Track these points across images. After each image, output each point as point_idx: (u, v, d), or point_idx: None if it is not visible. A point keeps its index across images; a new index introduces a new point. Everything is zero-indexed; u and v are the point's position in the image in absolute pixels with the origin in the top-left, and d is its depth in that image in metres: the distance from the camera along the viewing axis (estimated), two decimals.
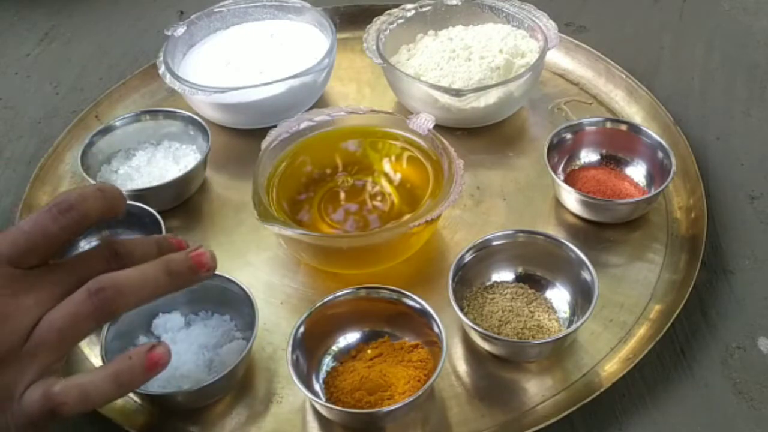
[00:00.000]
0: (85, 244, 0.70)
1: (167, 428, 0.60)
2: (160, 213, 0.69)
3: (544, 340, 0.60)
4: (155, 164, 0.76)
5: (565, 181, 0.71)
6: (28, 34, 0.99)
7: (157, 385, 0.59)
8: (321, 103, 0.84)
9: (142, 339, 0.62)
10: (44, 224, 0.48)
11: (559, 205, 0.73)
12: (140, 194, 0.71)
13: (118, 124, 0.78)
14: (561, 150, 0.74)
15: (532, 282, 0.65)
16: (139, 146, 0.78)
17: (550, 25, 0.81)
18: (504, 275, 0.66)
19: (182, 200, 0.75)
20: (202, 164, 0.75)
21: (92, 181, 0.73)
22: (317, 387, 0.59)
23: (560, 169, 0.74)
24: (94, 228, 0.70)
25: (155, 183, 0.73)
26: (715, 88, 0.86)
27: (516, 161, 0.78)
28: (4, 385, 0.46)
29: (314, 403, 0.58)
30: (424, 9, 0.85)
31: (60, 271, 0.49)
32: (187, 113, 0.78)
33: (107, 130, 0.77)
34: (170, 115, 0.79)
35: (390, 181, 0.72)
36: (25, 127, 0.87)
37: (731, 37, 0.93)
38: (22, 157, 0.83)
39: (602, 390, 0.59)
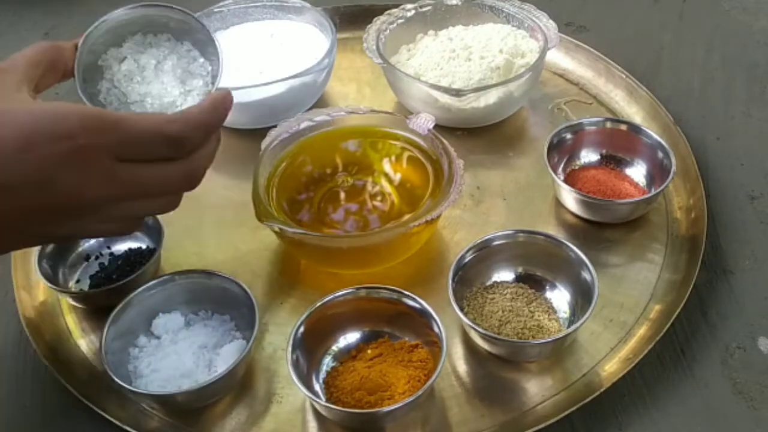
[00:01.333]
0: (84, 243, 0.70)
1: (167, 428, 0.60)
2: None
3: (544, 340, 0.60)
4: None
5: (565, 181, 0.71)
6: (28, 34, 0.99)
7: (157, 385, 0.59)
8: (321, 103, 0.84)
9: (142, 339, 0.62)
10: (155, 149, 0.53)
11: (559, 205, 0.73)
12: None
13: None
14: (561, 150, 0.74)
15: (532, 282, 0.65)
16: None
17: (550, 25, 0.81)
18: (504, 275, 0.66)
19: None
20: None
21: None
22: (317, 387, 0.59)
23: (560, 169, 0.74)
24: None
25: None
26: (715, 88, 0.86)
27: (516, 161, 0.78)
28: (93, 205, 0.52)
29: (314, 403, 0.58)
30: (424, 9, 0.85)
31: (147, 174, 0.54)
32: None
33: None
34: None
35: (390, 181, 0.72)
36: None
37: (731, 37, 0.93)
38: None
39: (602, 390, 0.59)
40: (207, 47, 0.61)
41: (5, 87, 0.51)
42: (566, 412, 0.57)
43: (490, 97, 0.78)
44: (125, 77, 0.59)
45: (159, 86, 0.59)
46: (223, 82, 0.79)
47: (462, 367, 0.62)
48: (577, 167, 0.75)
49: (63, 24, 1.00)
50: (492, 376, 0.61)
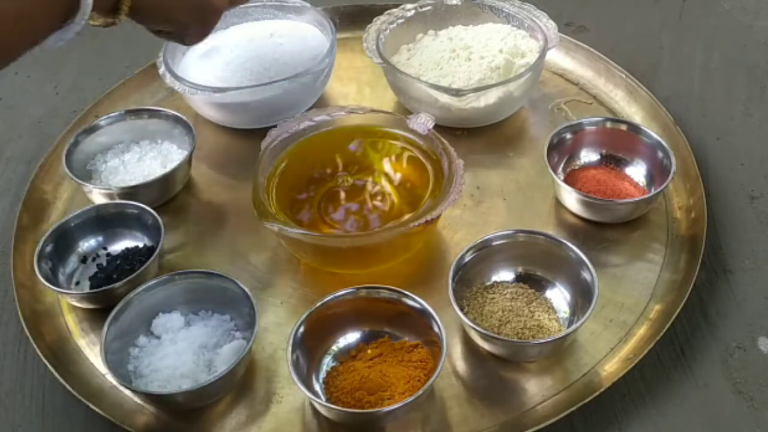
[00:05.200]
0: (83, 243, 0.70)
1: (167, 428, 0.60)
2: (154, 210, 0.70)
3: (544, 340, 0.60)
4: (139, 162, 0.76)
5: (565, 181, 0.71)
6: None
7: (157, 385, 0.59)
8: (321, 103, 0.84)
9: (142, 339, 0.62)
10: None
11: (559, 205, 0.73)
12: (124, 192, 0.72)
13: (102, 123, 0.78)
14: (561, 150, 0.74)
15: (532, 282, 0.65)
16: (124, 144, 0.78)
17: (550, 25, 0.81)
18: (504, 275, 0.66)
19: (167, 198, 0.75)
20: (187, 162, 0.75)
21: (78, 181, 0.73)
22: (317, 387, 0.59)
23: (560, 169, 0.74)
24: (96, 227, 0.70)
25: (139, 181, 0.73)
26: (715, 88, 0.86)
27: (516, 161, 0.78)
28: None
29: (314, 403, 0.58)
30: (424, 9, 0.85)
31: None
32: (173, 112, 0.78)
33: (92, 129, 0.77)
34: (155, 114, 0.79)
35: (390, 180, 0.72)
36: (25, 126, 0.87)
37: (731, 37, 0.93)
38: (22, 156, 0.83)
39: (602, 390, 0.59)
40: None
41: None
42: (566, 412, 0.57)
43: (490, 97, 0.78)
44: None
45: None
46: (224, 81, 0.80)
47: (462, 367, 0.62)
48: (577, 167, 0.75)
49: None
50: (492, 376, 0.61)
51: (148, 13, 0.58)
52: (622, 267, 0.68)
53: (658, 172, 0.72)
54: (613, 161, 0.75)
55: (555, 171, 0.72)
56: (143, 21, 0.59)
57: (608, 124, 0.75)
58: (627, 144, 0.74)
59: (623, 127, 0.75)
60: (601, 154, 0.75)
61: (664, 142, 0.72)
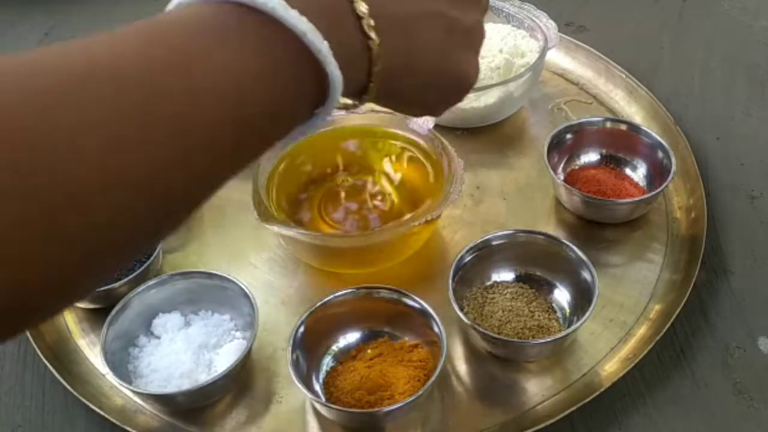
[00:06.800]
0: None
1: (167, 428, 0.60)
2: None
3: (544, 340, 0.60)
4: None
5: (565, 181, 0.71)
6: (28, 34, 0.99)
7: (156, 385, 0.59)
8: None
9: (143, 339, 0.62)
10: None
11: (559, 205, 0.73)
12: None
13: None
14: (561, 150, 0.74)
15: (532, 282, 0.65)
16: None
17: (550, 25, 0.81)
18: (504, 275, 0.66)
19: None
20: None
21: None
22: (317, 387, 0.59)
23: (560, 169, 0.74)
24: None
25: None
26: (715, 88, 0.86)
27: (516, 161, 0.78)
28: None
29: (314, 403, 0.58)
30: None
31: None
32: None
33: None
34: None
35: (390, 180, 0.72)
36: None
37: (731, 37, 0.93)
38: None
39: (602, 390, 0.59)
40: None
41: None
42: (566, 412, 0.57)
43: (490, 97, 0.77)
44: None
45: None
46: None
47: (462, 367, 0.62)
48: (577, 167, 0.75)
49: (63, 24, 1.00)
50: (492, 376, 0.61)
51: (397, 99, 0.50)
52: (622, 267, 0.68)
53: (658, 172, 0.72)
54: (613, 161, 0.75)
55: (555, 171, 0.72)
56: (389, 105, 0.51)
57: (608, 124, 0.75)
58: (627, 144, 0.74)
59: (623, 127, 0.75)
60: (601, 154, 0.75)
61: (664, 142, 0.72)
